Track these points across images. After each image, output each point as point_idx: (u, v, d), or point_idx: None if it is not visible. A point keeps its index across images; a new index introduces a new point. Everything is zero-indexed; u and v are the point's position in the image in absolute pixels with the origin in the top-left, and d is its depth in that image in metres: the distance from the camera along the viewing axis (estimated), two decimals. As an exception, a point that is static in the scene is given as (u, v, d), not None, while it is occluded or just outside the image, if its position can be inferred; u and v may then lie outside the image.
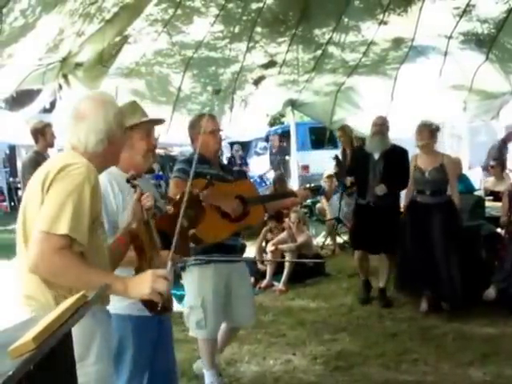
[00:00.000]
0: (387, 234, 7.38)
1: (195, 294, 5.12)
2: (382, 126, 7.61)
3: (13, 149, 21.48)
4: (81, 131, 2.82)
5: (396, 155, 7.49)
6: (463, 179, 9.28)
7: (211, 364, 5.39)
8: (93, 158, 2.79)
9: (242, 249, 5.58)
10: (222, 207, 5.00)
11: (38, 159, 7.37)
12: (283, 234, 9.74)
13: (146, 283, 2.63)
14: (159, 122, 3.94)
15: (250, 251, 10.33)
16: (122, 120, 2.98)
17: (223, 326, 5.49)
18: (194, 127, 5.24)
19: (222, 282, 5.14)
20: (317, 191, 6.09)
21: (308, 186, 5.88)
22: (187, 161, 5.21)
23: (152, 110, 9.31)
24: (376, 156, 7.57)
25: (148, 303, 2.77)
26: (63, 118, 2.99)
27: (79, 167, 2.63)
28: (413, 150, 7.52)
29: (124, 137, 3.03)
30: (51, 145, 7.80)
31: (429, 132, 7.16)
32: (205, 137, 5.09)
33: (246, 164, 19.62)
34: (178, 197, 3.68)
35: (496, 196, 9.33)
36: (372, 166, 7.57)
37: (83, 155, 2.78)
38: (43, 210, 2.57)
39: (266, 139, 21.54)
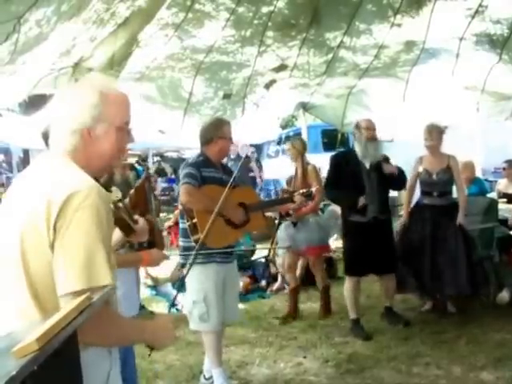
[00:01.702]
0: (391, 251, 7.08)
1: (198, 289, 5.34)
2: (375, 131, 6.98)
3: (26, 153, 21.58)
4: (57, 130, 2.40)
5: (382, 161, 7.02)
6: (477, 182, 9.25)
7: (219, 361, 5.53)
8: (75, 160, 2.35)
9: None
10: (226, 215, 5.17)
11: None
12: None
13: (169, 334, 2.56)
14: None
15: (262, 254, 10.35)
16: (109, 112, 2.39)
17: None
18: (210, 131, 5.38)
19: (220, 280, 5.38)
20: (309, 196, 6.07)
21: (302, 191, 5.98)
22: (194, 164, 5.32)
23: (164, 115, 9.41)
24: (367, 165, 6.94)
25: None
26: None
27: (89, 194, 2.16)
28: (424, 153, 7.47)
29: (113, 135, 2.42)
30: None
31: (438, 133, 7.14)
32: (224, 142, 5.30)
33: (261, 167, 19.47)
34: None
35: (509, 198, 9.27)
36: (366, 177, 6.91)
37: (64, 156, 2.35)
38: (67, 265, 2.11)
39: (278, 142, 21.53)
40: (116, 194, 2.97)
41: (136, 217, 3.43)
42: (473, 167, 9.30)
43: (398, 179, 7.00)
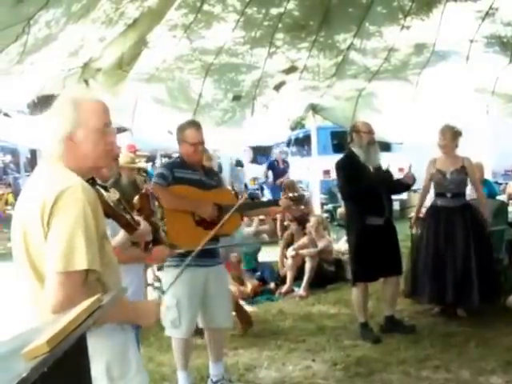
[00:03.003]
0: (397, 253, 7.00)
1: (171, 294, 5.15)
2: (374, 135, 6.92)
3: (34, 153, 21.66)
4: (43, 137, 2.78)
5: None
6: (486, 184, 9.23)
7: (183, 365, 5.49)
8: (66, 164, 2.69)
9: (219, 253, 5.60)
10: (197, 213, 5.13)
11: None
12: (304, 239, 9.74)
13: (153, 314, 2.91)
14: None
15: (271, 256, 10.35)
16: (84, 118, 2.71)
17: (205, 329, 5.67)
18: (178, 133, 5.36)
19: (198, 285, 5.27)
20: (300, 200, 5.97)
21: (291, 195, 5.78)
22: (168, 165, 5.35)
23: (173, 117, 9.42)
24: (371, 168, 6.84)
25: None
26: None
27: (74, 191, 2.50)
28: (434, 155, 7.46)
29: (92, 137, 2.73)
30: None
31: (452, 134, 7.14)
32: (187, 147, 5.27)
33: (288, 166, 19.29)
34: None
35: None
36: (374, 179, 6.78)
37: (57, 162, 2.69)
38: (53, 249, 2.45)
39: (288, 144, 21.54)
40: (114, 194, 3.05)
41: (137, 218, 3.42)
42: (482, 169, 9.27)
43: (407, 186, 7.02)
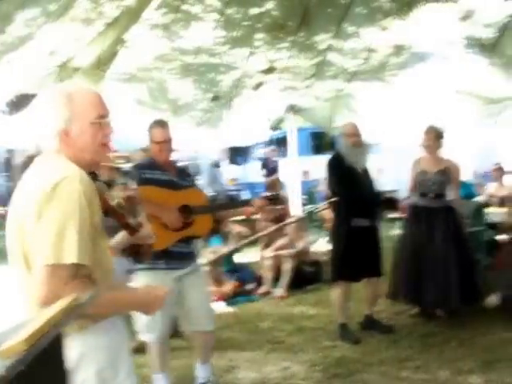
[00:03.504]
0: (379, 254, 7.03)
1: None
2: (359, 137, 6.88)
3: (11, 153, 21.50)
4: (38, 130, 2.69)
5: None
6: (464, 185, 9.27)
7: (160, 367, 5.44)
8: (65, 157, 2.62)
9: (194, 256, 5.47)
10: (161, 218, 5.07)
11: (29, 164, 7.39)
12: (283, 240, 9.73)
13: (157, 301, 2.83)
14: None
15: (250, 257, 10.34)
16: (78, 111, 2.64)
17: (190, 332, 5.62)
18: (148, 134, 5.34)
19: (171, 288, 5.14)
20: (275, 200, 5.89)
21: (266, 195, 5.74)
22: (136, 166, 5.34)
23: (153, 116, 9.38)
24: (359, 170, 6.86)
25: None
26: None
27: (71, 181, 2.44)
28: (412, 156, 7.50)
29: (88, 130, 2.66)
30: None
31: (436, 134, 7.17)
32: (154, 146, 5.24)
33: (277, 166, 19.16)
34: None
35: (502, 201, 9.26)
36: (362, 182, 6.86)
37: (56, 154, 2.63)
38: (43, 240, 2.36)
39: (268, 144, 21.49)
40: (119, 193, 3.02)
41: (140, 219, 3.39)
42: (459, 170, 9.30)
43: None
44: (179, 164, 5.85)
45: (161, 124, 5.40)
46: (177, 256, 5.13)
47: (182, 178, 5.40)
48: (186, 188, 5.37)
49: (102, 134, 2.70)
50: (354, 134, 6.87)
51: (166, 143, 5.28)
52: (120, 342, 2.78)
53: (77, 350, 2.53)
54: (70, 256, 2.34)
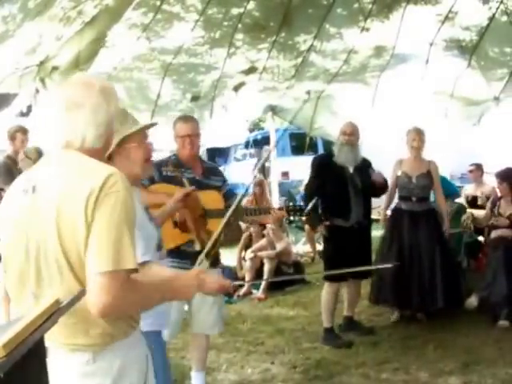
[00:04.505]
0: (367, 256, 6.94)
1: None
2: (351, 136, 6.81)
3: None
4: (77, 123, 2.35)
5: (365, 166, 6.94)
6: (443, 182, 9.20)
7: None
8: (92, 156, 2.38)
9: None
10: (174, 217, 4.91)
11: (9, 164, 7.33)
12: (263, 241, 9.69)
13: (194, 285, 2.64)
14: (152, 126, 3.71)
15: (230, 258, 10.28)
16: (119, 115, 2.57)
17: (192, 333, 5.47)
18: (173, 130, 5.21)
19: None
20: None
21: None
22: (156, 164, 5.14)
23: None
24: (351, 169, 6.77)
25: None
26: (50, 113, 2.35)
27: (116, 181, 2.24)
28: (393, 158, 7.47)
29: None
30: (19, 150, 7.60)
31: (422, 136, 7.13)
32: (179, 141, 5.07)
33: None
34: None
35: (476, 201, 9.22)
36: (350, 181, 6.75)
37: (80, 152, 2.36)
38: (99, 246, 2.17)
39: (246, 145, 21.46)
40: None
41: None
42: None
43: (382, 187, 6.93)
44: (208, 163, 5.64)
45: (184, 118, 5.27)
46: (186, 254, 4.89)
47: (207, 177, 5.26)
48: (208, 188, 5.15)
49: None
50: (350, 133, 6.79)
51: (188, 137, 5.06)
52: (147, 352, 2.62)
53: (119, 360, 2.40)
54: (130, 261, 2.21)
